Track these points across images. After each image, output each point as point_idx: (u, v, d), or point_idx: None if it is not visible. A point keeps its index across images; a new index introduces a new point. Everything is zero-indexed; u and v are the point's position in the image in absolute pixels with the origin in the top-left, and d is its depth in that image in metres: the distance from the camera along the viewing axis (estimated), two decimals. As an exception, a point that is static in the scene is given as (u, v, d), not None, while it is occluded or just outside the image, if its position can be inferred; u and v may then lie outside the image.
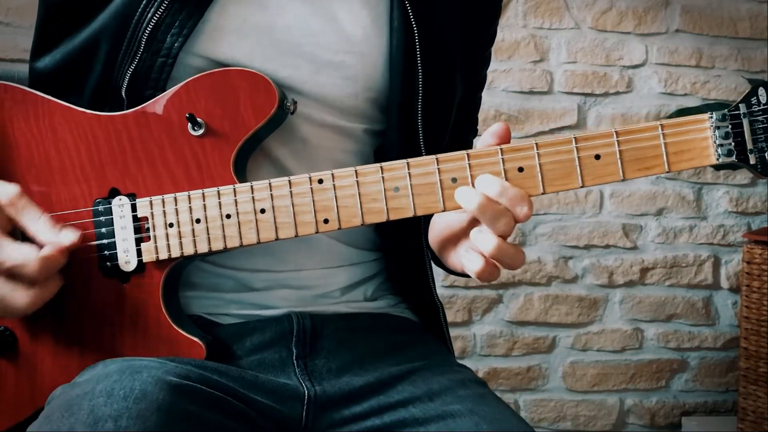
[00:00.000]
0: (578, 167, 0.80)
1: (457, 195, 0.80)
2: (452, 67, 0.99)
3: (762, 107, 0.78)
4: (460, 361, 1.01)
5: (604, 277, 2.30)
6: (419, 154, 0.94)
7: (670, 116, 2.05)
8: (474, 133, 1.12)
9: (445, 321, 1.06)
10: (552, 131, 2.24)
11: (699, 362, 2.36)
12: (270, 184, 0.83)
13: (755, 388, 2.06)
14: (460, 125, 1.05)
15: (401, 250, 1.01)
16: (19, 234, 0.82)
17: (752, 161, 0.78)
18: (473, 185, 0.81)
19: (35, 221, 0.81)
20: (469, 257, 0.81)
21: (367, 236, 1.01)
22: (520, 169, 0.80)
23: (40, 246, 0.80)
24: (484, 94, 1.11)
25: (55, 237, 0.80)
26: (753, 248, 2.04)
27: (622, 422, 2.36)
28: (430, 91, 0.95)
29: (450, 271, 0.97)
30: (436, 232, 0.95)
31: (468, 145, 1.11)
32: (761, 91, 0.78)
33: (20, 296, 0.79)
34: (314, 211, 0.83)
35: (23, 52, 1.97)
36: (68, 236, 0.81)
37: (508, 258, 0.79)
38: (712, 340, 2.36)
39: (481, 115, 2.13)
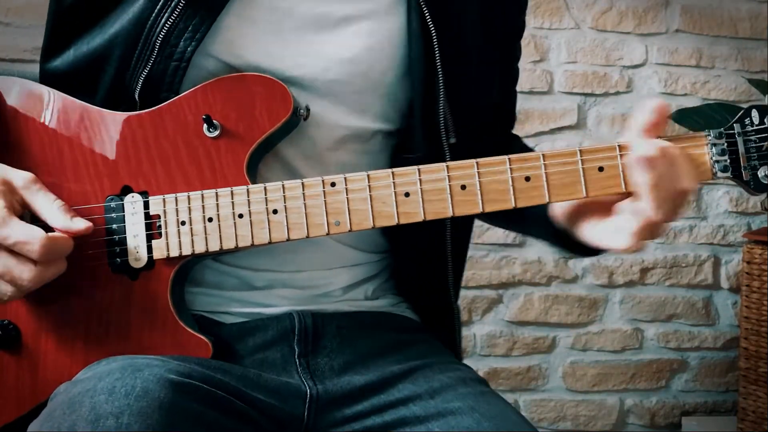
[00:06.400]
0: (582, 178, 0.83)
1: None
2: (479, 64, 0.99)
3: (755, 128, 0.83)
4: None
5: (604, 277, 2.30)
6: (442, 156, 0.95)
7: (670, 117, 2.06)
8: (510, 126, 1.13)
9: (458, 325, 1.06)
10: (552, 131, 2.24)
11: (699, 362, 2.37)
12: (283, 185, 0.84)
13: (755, 388, 2.06)
14: (498, 119, 1.05)
15: (414, 254, 1.01)
16: (28, 217, 0.82)
17: (745, 177, 0.84)
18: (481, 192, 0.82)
19: (48, 205, 0.81)
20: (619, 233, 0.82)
21: (373, 239, 1.01)
22: (527, 179, 0.83)
23: (53, 230, 0.80)
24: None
25: (65, 222, 0.81)
26: (753, 248, 2.04)
27: (622, 422, 2.36)
28: (452, 93, 0.94)
29: (569, 247, 0.94)
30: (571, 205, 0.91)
31: (505, 140, 1.12)
32: (754, 112, 0.83)
33: (23, 271, 0.79)
34: (326, 213, 0.84)
35: (23, 52, 1.97)
36: (78, 224, 0.81)
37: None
38: (712, 340, 2.36)
39: (481, 115, 2.15)
